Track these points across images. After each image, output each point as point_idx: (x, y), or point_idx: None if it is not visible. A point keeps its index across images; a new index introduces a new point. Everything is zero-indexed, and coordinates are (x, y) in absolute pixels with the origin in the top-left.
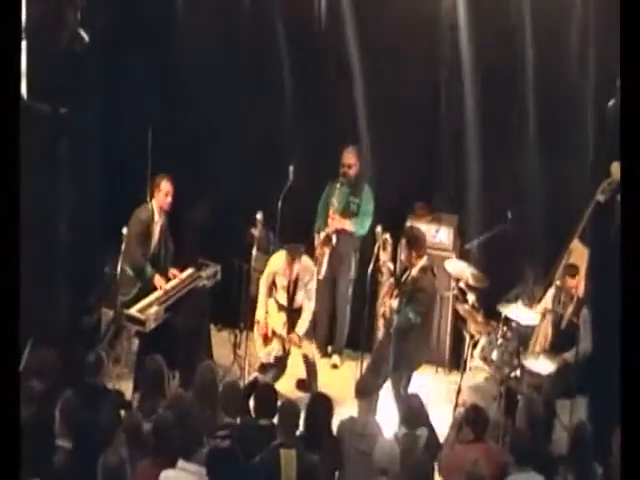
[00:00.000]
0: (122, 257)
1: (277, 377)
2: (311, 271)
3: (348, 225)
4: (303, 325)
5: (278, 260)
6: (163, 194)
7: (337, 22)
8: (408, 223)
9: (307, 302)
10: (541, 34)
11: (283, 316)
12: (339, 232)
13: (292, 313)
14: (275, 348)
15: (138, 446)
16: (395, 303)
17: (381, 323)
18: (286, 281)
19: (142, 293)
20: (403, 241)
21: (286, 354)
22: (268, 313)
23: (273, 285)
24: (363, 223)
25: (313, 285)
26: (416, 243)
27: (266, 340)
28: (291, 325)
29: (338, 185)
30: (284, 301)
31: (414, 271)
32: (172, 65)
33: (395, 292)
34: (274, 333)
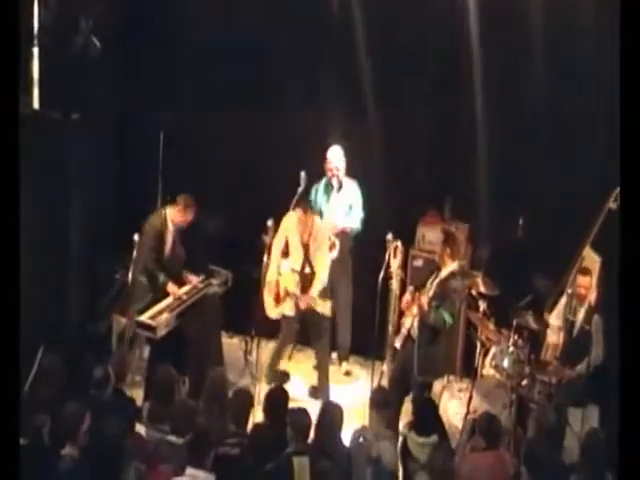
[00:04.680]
0: (135, 264)
1: (283, 343)
2: (323, 232)
3: (347, 225)
4: (318, 286)
5: (290, 219)
6: (184, 217)
7: (348, 22)
8: (419, 230)
9: (321, 263)
10: (554, 39)
11: (296, 277)
12: (338, 235)
13: (305, 276)
14: (287, 306)
15: (147, 455)
16: (417, 304)
17: (398, 330)
18: (300, 240)
19: (154, 300)
20: (442, 238)
21: (299, 314)
22: (281, 275)
23: (286, 248)
24: (357, 220)
25: (326, 246)
26: (454, 243)
27: (278, 300)
28: (304, 287)
29: (331, 189)
30: (297, 265)
31: (443, 274)
32: (184, 71)
33: (418, 295)
34: (287, 292)
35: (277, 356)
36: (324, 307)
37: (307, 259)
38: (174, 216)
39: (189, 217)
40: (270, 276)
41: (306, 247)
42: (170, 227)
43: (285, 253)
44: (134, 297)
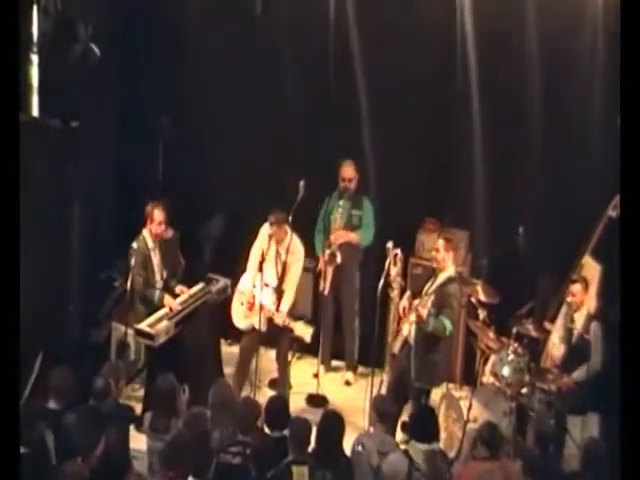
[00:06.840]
0: (131, 282)
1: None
2: (299, 252)
3: (353, 237)
4: (286, 304)
5: (265, 229)
6: (157, 223)
7: (346, 35)
8: (418, 238)
9: (290, 283)
10: (549, 53)
11: (272, 292)
12: (342, 246)
13: (278, 291)
14: (257, 319)
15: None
16: (416, 314)
17: (395, 337)
18: (276, 254)
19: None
20: (441, 242)
21: (269, 328)
22: (255, 287)
23: (262, 259)
24: (367, 234)
25: (299, 267)
26: (455, 248)
27: (251, 310)
28: (279, 303)
29: (340, 201)
30: (270, 280)
31: (440, 279)
32: (183, 80)
33: (417, 301)
34: (261, 306)
35: (242, 374)
36: (304, 332)
37: (281, 274)
38: (155, 230)
39: (159, 221)
40: (244, 286)
41: (282, 261)
42: (151, 245)
43: (260, 265)
44: (134, 312)
